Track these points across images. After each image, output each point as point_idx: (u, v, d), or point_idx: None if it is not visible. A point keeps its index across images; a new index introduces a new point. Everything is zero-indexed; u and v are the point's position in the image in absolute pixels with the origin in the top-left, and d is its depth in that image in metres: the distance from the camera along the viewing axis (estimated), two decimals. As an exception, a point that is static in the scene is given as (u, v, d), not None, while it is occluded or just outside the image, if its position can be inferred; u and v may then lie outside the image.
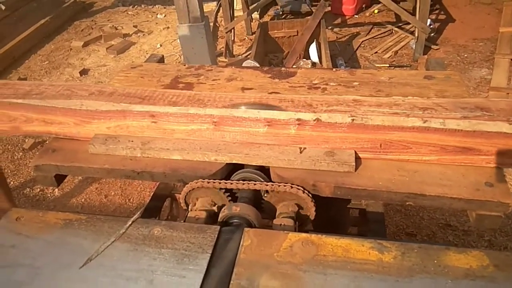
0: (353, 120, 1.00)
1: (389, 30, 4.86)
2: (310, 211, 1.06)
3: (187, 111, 1.08)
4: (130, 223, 0.94)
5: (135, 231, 0.93)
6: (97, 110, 1.12)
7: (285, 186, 1.02)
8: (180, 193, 1.60)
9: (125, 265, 0.85)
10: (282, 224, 1.00)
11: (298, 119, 1.03)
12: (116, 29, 5.27)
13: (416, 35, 4.19)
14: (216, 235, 0.91)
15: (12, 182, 2.78)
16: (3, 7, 5.55)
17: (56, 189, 2.61)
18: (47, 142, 1.54)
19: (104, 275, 0.84)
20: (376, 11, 5.36)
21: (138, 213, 0.98)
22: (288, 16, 5.36)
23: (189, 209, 1.13)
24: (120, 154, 1.15)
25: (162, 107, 1.10)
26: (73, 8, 5.97)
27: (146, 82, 1.54)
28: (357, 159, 1.05)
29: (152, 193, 1.43)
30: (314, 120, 1.02)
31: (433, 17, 4.93)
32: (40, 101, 1.14)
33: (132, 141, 1.15)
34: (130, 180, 2.63)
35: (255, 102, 1.12)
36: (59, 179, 1.20)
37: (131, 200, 2.52)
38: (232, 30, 4.51)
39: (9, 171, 2.88)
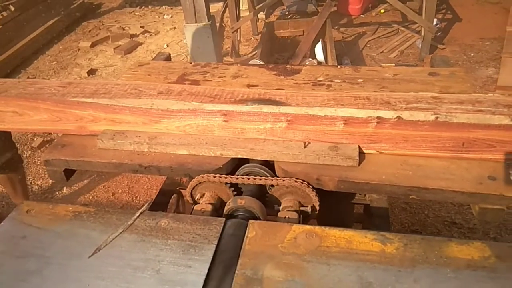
0: (436, 118, 0.98)
1: (395, 29, 4.86)
2: (314, 205, 1.07)
3: (261, 109, 1.07)
4: (137, 215, 0.96)
5: (143, 223, 0.96)
6: (168, 109, 1.12)
7: (289, 180, 1.03)
8: (186, 189, 1.63)
9: (132, 255, 0.87)
10: (287, 217, 1.01)
11: (378, 117, 1.00)
12: (124, 29, 5.32)
13: (423, 34, 4.18)
14: (222, 227, 0.93)
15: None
16: (13, 8, 5.61)
17: (64, 187, 2.64)
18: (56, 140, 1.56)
19: (112, 265, 0.86)
20: (382, 10, 5.36)
21: (146, 205, 1.00)
22: (294, 16, 5.37)
23: (195, 203, 1.15)
24: (127, 149, 1.17)
25: (234, 106, 1.08)
26: (81, 9, 6.03)
27: (153, 80, 1.56)
28: (361, 153, 1.06)
29: (159, 189, 1.45)
30: (395, 118, 0.99)
31: (440, 16, 4.91)
32: (109, 100, 1.14)
33: (139, 136, 1.17)
34: (137, 174, 2.67)
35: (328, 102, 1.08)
36: (68, 173, 1.22)
37: (138, 197, 2.55)
38: (238, 30, 4.53)
39: (18, 169, 2.92)
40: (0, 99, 1.19)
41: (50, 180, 2.79)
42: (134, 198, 2.55)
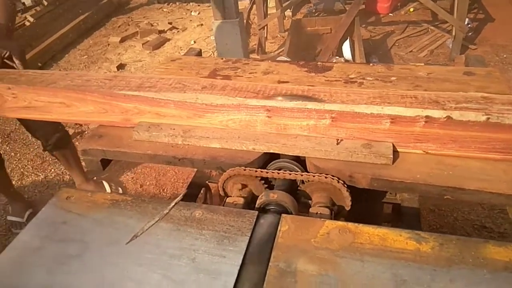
0: (488, 118, 0.95)
1: (425, 28, 4.76)
2: (346, 202, 1.07)
3: (305, 106, 1.06)
4: (173, 204, 0.99)
5: (178, 212, 0.98)
6: (212, 103, 1.13)
7: (323, 176, 1.04)
8: (215, 183, 1.65)
9: (168, 243, 0.90)
10: (318, 212, 1.02)
11: (427, 117, 0.99)
12: (152, 25, 5.40)
13: (453, 34, 4.09)
14: (254, 220, 0.94)
15: (52, 170, 2.92)
16: (46, 3, 5.79)
17: (94, 177, 2.71)
18: (86, 132, 1.58)
19: (149, 252, 0.88)
20: (411, 9, 5.26)
21: (180, 196, 1.03)
22: (321, 14, 5.33)
23: (226, 196, 1.17)
24: (162, 141, 1.20)
25: (278, 102, 1.09)
26: (111, 5, 6.16)
27: (185, 74, 1.58)
28: (394, 152, 1.06)
29: (188, 182, 1.47)
30: (445, 118, 0.97)
31: (472, 16, 4.79)
32: (155, 94, 1.16)
33: (174, 129, 1.20)
34: (164, 168, 2.72)
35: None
36: (105, 163, 1.26)
37: (165, 190, 2.59)
38: (265, 27, 4.53)
39: (50, 159, 3.02)
40: (49, 90, 1.23)
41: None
42: (161, 191, 2.60)
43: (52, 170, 2.91)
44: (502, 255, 0.81)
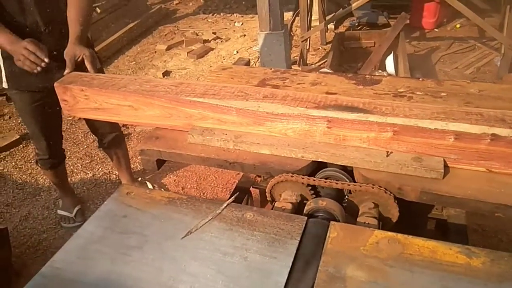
0: None
1: (472, 45, 4.65)
2: (393, 214, 1.09)
3: (366, 118, 1.08)
4: (225, 205, 1.04)
5: (230, 213, 1.03)
6: (273, 112, 1.17)
7: (373, 187, 1.05)
8: (258, 188, 1.69)
9: (221, 242, 0.94)
10: (366, 222, 1.04)
11: (493, 134, 0.99)
12: (197, 35, 5.58)
13: (502, 52, 3.97)
14: (304, 225, 0.98)
15: (100, 169, 3.07)
16: (99, 10, 6.11)
17: (139, 178, 2.83)
18: (132, 134, 1.66)
19: (203, 248, 0.93)
20: (458, 25, 5.15)
21: (232, 197, 1.08)
22: (364, 28, 5.32)
23: (273, 201, 1.21)
24: (214, 145, 1.25)
25: (339, 113, 1.11)
26: (158, 14, 6.41)
27: (235, 83, 1.65)
28: (445, 167, 1.06)
29: (234, 186, 1.53)
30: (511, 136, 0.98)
31: (522, 33, 4.63)
32: (219, 101, 1.22)
33: (226, 134, 1.25)
34: (205, 172, 2.80)
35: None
36: (160, 163, 1.33)
37: (205, 194, 2.67)
38: (308, 39, 4.58)
39: (98, 159, 3.17)
40: (120, 94, 1.31)
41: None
42: (202, 194, 2.68)
43: (100, 169, 3.06)
44: (557, 275, 0.80)
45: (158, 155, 1.30)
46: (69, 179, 2.96)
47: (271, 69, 1.76)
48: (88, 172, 3.02)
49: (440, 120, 1.03)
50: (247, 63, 1.99)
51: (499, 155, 1.00)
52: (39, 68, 1.62)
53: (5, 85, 1.99)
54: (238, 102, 1.21)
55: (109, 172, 3.00)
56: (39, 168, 2.48)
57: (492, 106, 1.32)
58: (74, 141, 3.41)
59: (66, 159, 2.43)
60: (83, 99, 1.39)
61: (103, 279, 0.89)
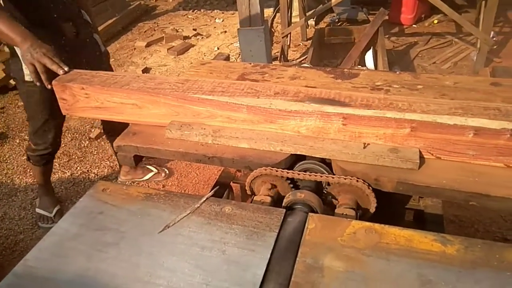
0: None
1: (449, 40, 4.73)
2: (371, 205, 1.10)
3: (384, 114, 1.06)
4: (204, 199, 1.03)
5: (208, 207, 1.02)
6: (286, 109, 1.14)
7: (350, 179, 1.06)
8: (238, 183, 1.69)
9: (199, 236, 0.94)
10: (344, 213, 1.05)
11: None
12: (177, 31, 5.52)
13: (478, 46, 4.06)
14: (282, 217, 0.98)
15: (78, 168, 3.01)
16: (76, 8, 5.98)
17: (119, 177, 2.79)
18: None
19: (181, 243, 0.92)
20: (435, 21, 5.24)
21: (211, 192, 1.07)
22: (344, 24, 5.36)
23: (253, 194, 1.21)
24: (193, 140, 1.24)
25: (356, 109, 1.08)
26: (138, 10, 6.31)
27: (214, 78, 1.64)
28: (421, 158, 1.08)
29: (214, 182, 1.52)
30: None
31: (497, 29, 4.74)
32: (229, 98, 1.18)
33: (205, 129, 1.24)
34: (193, 168, 2.78)
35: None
36: (137, 159, 1.31)
37: (187, 190, 2.65)
38: (288, 36, 4.58)
39: (76, 158, 3.11)
40: (123, 92, 1.26)
41: (106, 170, 2.96)
42: (183, 191, 2.66)
43: (78, 167, 3.00)
44: (528, 260, 0.82)
45: (135, 151, 1.28)
46: (47, 178, 2.90)
47: (250, 63, 1.76)
48: (66, 171, 2.96)
49: (458, 116, 1.01)
50: (227, 58, 1.98)
51: None
52: (49, 86, 1.40)
53: (28, 78, 1.86)
54: (249, 99, 1.17)
55: (88, 170, 2.95)
56: (29, 165, 2.39)
57: (466, 98, 1.35)
58: (52, 139, 3.34)
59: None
60: (83, 98, 1.33)
61: (78, 276, 0.88)
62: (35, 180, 2.67)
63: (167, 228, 0.96)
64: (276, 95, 1.18)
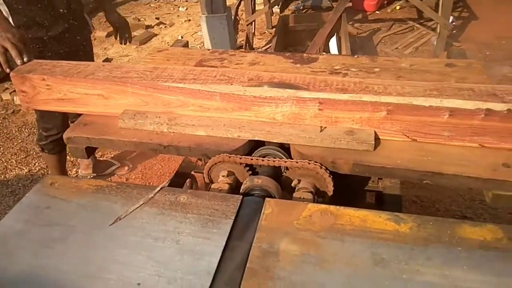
0: None
1: (411, 26, 4.83)
2: (328, 188, 1.09)
3: (360, 98, 1.04)
4: (158, 189, 1.00)
5: (163, 197, 0.99)
6: (261, 96, 1.10)
7: (308, 163, 1.05)
8: (201, 173, 1.66)
9: (153, 227, 0.91)
10: (302, 197, 1.04)
11: (487, 110, 0.97)
12: (139, 20, 5.37)
13: (438, 31, 4.16)
14: (239, 204, 0.96)
15: (36, 164, 2.89)
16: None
17: (79, 172, 2.70)
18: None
19: (133, 235, 0.89)
20: (397, 7, 5.33)
21: (167, 181, 1.03)
22: (309, 11, 5.37)
23: (212, 182, 1.18)
24: (147, 129, 1.20)
25: (331, 94, 1.06)
26: (97, -1, 6.10)
27: (171, 65, 1.59)
28: (376, 139, 1.08)
29: (175, 170, 1.48)
30: (505, 111, 0.96)
31: (456, 14, 4.87)
32: (201, 86, 1.13)
33: (159, 117, 1.20)
34: (151, 161, 2.72)
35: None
36: (90, 151, 1.26)
37: (151, 183, 2.59)
38: (253, 23, 4.54)
39: (34, 154, 2.99)
40: (87, 82, 1.19)
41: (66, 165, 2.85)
42: (147, 184, 2.60)
43: (36, 164, 2.88)
44: (477, 234, 0.84)
45: (87, 142, 1.22)
46: (3, 175, 2.77)
47: (209, 50, 1.72)
48: (24, 168, 2.84)
49: (434, 97, 1.01)
50: (185, 45, 1.93)
51: (492, 130, 1.00)
52: (8, 70, 1.36)
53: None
54: (222, 87, 1.12)
55: (46, 166, 2.83)
56: (44, 156, 2.36)
57: (421, 79, 1.37)
58: (7, 136, 3.19)
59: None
60: (44, 90, 1.25)
61: (24, 274, 0.83)
62: (49, 173, 2.58)
63: (119, 220, 0.92)
64: (249, 81, 1.14)
